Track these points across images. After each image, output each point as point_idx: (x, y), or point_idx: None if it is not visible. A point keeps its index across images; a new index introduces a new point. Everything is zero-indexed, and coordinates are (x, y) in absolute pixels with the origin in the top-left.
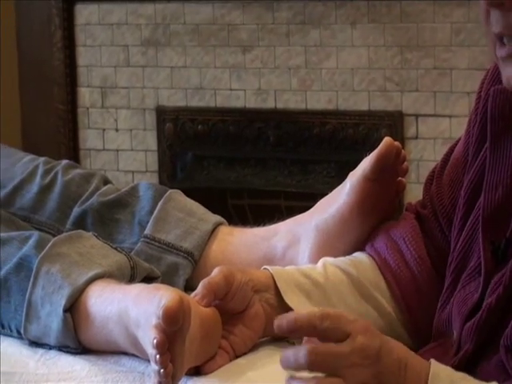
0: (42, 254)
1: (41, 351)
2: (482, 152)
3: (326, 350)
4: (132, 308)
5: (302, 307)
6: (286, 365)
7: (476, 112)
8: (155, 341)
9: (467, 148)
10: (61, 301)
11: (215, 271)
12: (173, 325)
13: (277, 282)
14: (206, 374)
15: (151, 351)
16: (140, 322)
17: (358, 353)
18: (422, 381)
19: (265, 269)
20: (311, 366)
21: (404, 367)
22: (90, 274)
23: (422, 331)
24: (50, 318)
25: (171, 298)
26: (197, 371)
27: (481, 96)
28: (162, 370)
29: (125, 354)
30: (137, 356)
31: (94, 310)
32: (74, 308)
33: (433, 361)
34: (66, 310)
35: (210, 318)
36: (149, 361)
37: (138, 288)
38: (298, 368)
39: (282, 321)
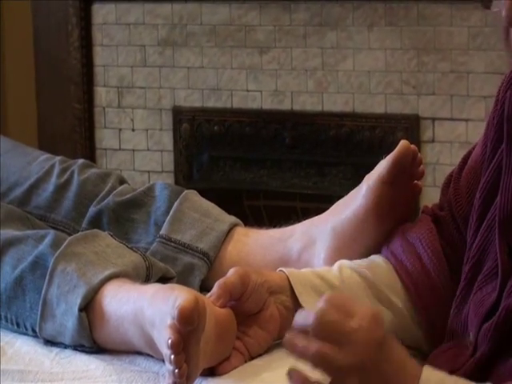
0: (58, 252)
1: (56, 350)
2: (498, 153)
3: (334, 318)
4: (147, 308)
5: None
6: (294, 329)
7: (494, 115)
8: (170, 341)
9: (485, 150)
10: (76, 300)
11: (231, 272)
12: (188, 325)
13: (292, 284)
14: (220, 374)
15: (166, 351)
16: (155, 322)
17: (364, 332)
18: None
19: (280, 271)
20: (316, 328)
21: (403, 364)
22: (106, 273)
23: (438, 332)
24: (66, 317)
25: (186, 298)
26: (211, 372)
27: (498, 99)
28: (176, 370)
29: (140, 353)
30: (152, 356)
31: (110, 310)
32: (89, 307)
33: (426, 366)
34: (81, 310)
35: (225, 319)
36: (163, 361)
37: (153, 288)
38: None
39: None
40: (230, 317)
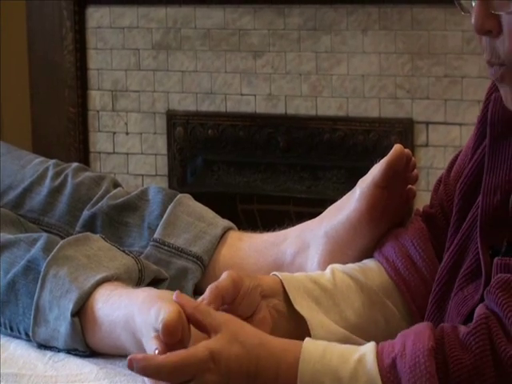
0: (50, 256)
1: (49, 353)
2: (480, 150)
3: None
4: (137, 315)
5: (310, 312)
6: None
7: (479, 116)
8: (156, 351)
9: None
10: (68, 305)
11: (224, 275)
12: (172, 338)
13: (286, 288)
14: None
15: None
16: (143, 332)
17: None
18: (287, 358)
19: (274, 275)
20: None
21: (255, 362)
22: (98, 277)
23: None
24: (58, 322)
25: (169, 312)
26: None
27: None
28: None
29: None
30: None
31: (102, 315)
32: (81, 312)
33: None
34: (73, 315)
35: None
36: None
37: (143, 294)
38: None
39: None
40: None
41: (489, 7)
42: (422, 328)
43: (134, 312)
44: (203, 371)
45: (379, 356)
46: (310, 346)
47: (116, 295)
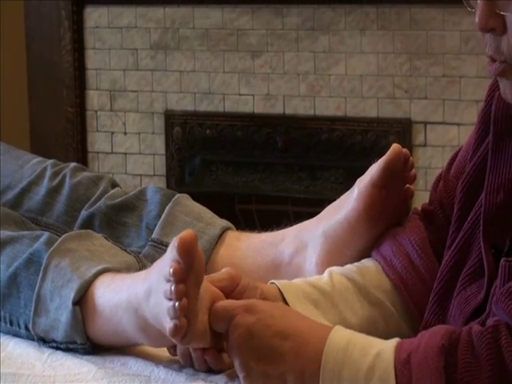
0: (52, 248)
1: (48, 352)
2: (482, 147)
3: None
4: (141, 286)
5: (309, 315)
6: None
7: (481, 113)
8: (171, 269)
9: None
10: (70, 294)
11: (223, 270)
12: (188, 253)
13: (284, 295)
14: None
15: (166, 287)
16: (152, 290)
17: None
18: (316, 343)
19: (271, 283)
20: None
21: (284, 338)
22: (99, 267)
23: None
24: (59, 312)
25: (185, 232)
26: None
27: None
28: (176, 304)
29: (131, 356)
30: (143, 359)
31: (103, 301)
32: (82, 300)
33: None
34: (75, 303)
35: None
36: (155, 363)
37: (145, 271)
38: None
39: None
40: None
41: (494, 7)
42: (440, 328)
43: (138, 287)
44: (240, 313)
45: (397, 351)
46: (336, 338)
47: (118, 280)
